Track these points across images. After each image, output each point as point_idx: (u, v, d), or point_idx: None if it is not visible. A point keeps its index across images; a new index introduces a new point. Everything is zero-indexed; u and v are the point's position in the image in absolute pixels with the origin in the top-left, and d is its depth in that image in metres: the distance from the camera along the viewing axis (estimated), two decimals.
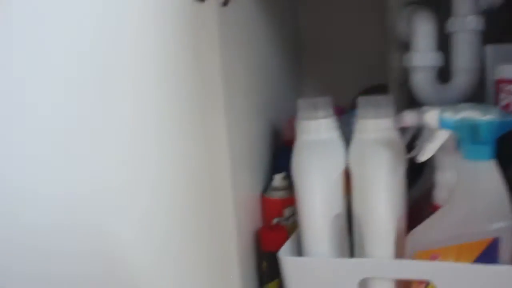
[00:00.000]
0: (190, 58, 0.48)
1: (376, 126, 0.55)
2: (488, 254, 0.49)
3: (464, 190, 0.49)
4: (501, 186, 0.48)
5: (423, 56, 0.66)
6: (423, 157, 0.49)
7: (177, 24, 0.47)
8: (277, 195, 0.62)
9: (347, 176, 0.56)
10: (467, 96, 0.67)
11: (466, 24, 0.65)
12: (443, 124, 0.48)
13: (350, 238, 0.58)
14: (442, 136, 0.48)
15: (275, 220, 0.62)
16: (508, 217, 0.48)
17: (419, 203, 0.59)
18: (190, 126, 0.47)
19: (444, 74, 0.68)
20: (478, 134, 0.47)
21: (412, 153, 0.52)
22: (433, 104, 0.66)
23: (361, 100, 0.56)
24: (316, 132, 0.57)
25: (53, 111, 0.37)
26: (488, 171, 0.48)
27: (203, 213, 0.50)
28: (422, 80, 0.67)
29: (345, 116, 0.63)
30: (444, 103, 0.66)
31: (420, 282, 0.51)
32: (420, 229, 0.51)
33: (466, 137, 0.47)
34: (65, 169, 0.37)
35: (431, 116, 0.48)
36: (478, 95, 0.67)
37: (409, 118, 0.52)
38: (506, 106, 0.58)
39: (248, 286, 0.59)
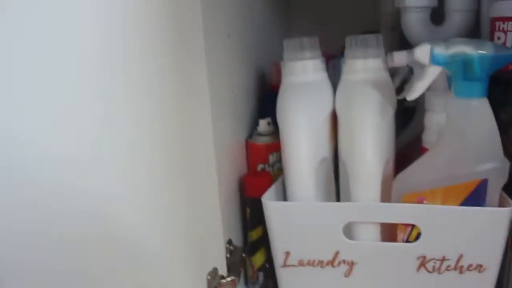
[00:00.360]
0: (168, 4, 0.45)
1: (365, 66, 0.52)
2: (476, 196, 0.47)
3: (454, 130, 0.47)
4: (493, 125, 0.46)
5: None
6: (412, 95, 0.47)
7: None
8: (262, 141, 0.60)
9: (335, 119, 0.54)
10: (461, 37, 0.64)
11: None
12: (434, 60, 0.45)
13: (337, 183, 0.56)
14: (433, 72, 0.45)
15: (260, 166, 0.60)
16: (498, 157, 0.47)
17: (409, 147, 0.58)
18: (168, 73, 0.45)
19: (438, 15, 0.65)
20: (471, 70, 0.44)
21: (403, 94, 0.50)
22: None
23: (350, 39, 0.54)
24: (302, 73, 0.54)
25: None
26: (480, 109, 0.46)
27: (184, 162, 0.48)
28: (415, 20, 0.64)
29: (334, 61, 0.61)
30: None
31: (406, 225, 0.50)
32: (408, 172, 0.49)
33: (458, 73, 0.45)
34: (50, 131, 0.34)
35: (422, 52, 0.45)
36: (473, 36, 0.64)
37: (400, 57, 0.49)
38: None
39: (232, 233, 0.57)
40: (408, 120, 0.63)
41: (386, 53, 0.53)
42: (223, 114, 0.54)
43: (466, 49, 0.44)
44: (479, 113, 0.46)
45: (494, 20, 0.56)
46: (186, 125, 0.48)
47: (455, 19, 0.63)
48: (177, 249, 0.49)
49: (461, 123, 0.46)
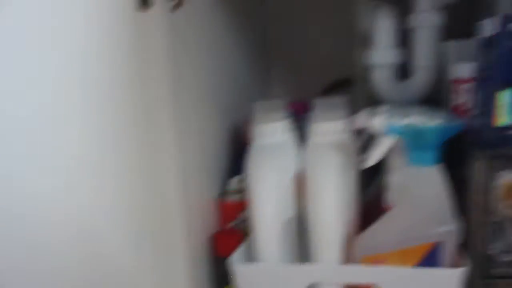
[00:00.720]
0: (137, 65, 0.48)
1: (328, 129, 0.55)
2: (431, 257, 0.49)
3: (409, 195, 0.49)
4: (443, 191, 0.48)
5: (382, 54, 0.66)
6: (369, 162, 0.49)
7: (121, 33, 0.46)
8: (233, 198, 0.61)
9: (302, 179, 0.56)
10: (426, 93, 0.66)
11: (425, 20, 0.64)
12: (389, 130, 0.47)
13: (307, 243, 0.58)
14: (387, 142, 0.48)
15: (231, 224, 0.62)
16: (450, 221, 0.48)
17: (373, 205, 0.59)
18: (136, 130, 0.47)
19: (405, 70, 0.68)
20: (423, 140, 0.46)
21: (363, 157, 0.52)
22: (393, 101, 0.66)
23: (316, 102, 0.56)
24: (270, 135, 0.56)
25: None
26: (432, 177, 0.48)
27: (149, 218, 0.50)
28: (381, 77, 0.67)
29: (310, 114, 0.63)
30: (404, 100, 0.66)
31: (367, 285, 0.51)
32: (368, 234, 0.51)
33: (411, 143, 0.47)
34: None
35: (378, 122, 0.47)
36: (438, 92, 0.67)
37: (361, 121, 0.51)
38: (456, 107, 0.58)
39: None
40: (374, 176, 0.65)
41: (356, 110, 0.55)
42: (193, 173, 0.56)
43: (420, 119, 0.46)
44: (430, 180, 0.48)
45: (452, 81, 0.59)
46: (152, 185, 0.51)
47: (420, 75, 0.66)
48: None
49: (415, 189, 0.48)
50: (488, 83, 0.48)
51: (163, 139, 0.51)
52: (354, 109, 0.64)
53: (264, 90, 0.90)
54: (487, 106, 0.48)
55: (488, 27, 0.47)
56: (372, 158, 0.49)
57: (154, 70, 0.49)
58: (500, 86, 0.47)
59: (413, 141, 0.47)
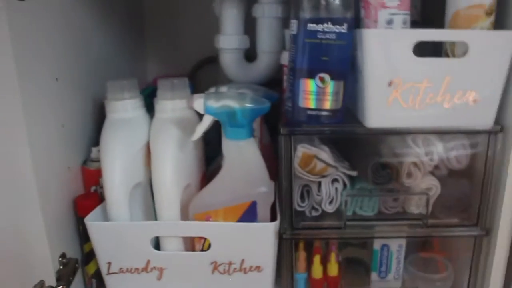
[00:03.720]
0: None
1: (172, 107, 0.63)
2: (249, 214, 0.60)
3: (229, 164, 0.59)
4: (259, 159, 0.59)
5: (229, 39, 0.75)
6: (194, 136, 0.59)
7: None
8: (94, 166, 0.69)
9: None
10: (269, 74, 0.77)
11: (267, 11, 0.74)
12: (207, 110, 0.57)
13: None
14: (207, 120, 0.57)
15: (93, 188, 0.70)
16: (265, 184, 0.60)
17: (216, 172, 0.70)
18: None
19: (251, 54, 0.78)
20: (235, 119, 0.56)
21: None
22: (241, 80, 0.76)
23: (160, 82, 0.64)
24: (122, 111, 0.64)
25: None
26: (247, 148, 0.58)
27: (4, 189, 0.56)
28: (229, 60, 0.76)
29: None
30: (250, 79, 0.76)
31: (199, 238, 0.62)
32: (198, 196, 0.61)
33: (226, 121, 0.57)
34: None
35: (198, 103, 0.57)
36: (279, 73, 0.77)
37: (190, 101, 0.60)
38: (284, 88, 0.69)
39: (68, 247, 0.66)
40: None
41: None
42: (48, 146, 0.62)
43: (231, 102, 0.56)
44: (246, 151, 0.58)
45: (283, 66, 0.70)
46: (8, 158, 0.56)
47: (263, 59, 0.76)
48: (1, 268, 0.58)
49: (233, 159, 0.59)
50: (295, 72, 0.59)
51: (16, 119, 0.56)
52: (217, 86, 0.73)
53: (138, 65, 0.96)
54: (294, 91, 0.59)
55: (294, 25, 0.57)
56: (196, 133, 0.58)
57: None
58: (306, 75, 0.58)
59: (228, 119, 0.57)
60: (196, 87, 0.84)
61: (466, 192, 0.65)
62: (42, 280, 0.59)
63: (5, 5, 0.51)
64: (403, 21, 0.59)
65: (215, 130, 0.61)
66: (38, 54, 0.59)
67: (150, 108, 0.68)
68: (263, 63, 0.76)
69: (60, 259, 0.64)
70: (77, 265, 0.67)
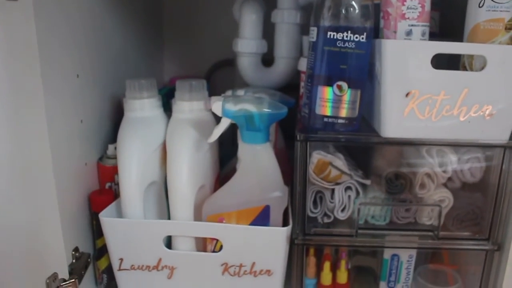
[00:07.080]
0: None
1: (189, 108, 0.64)
2: (262, 218, 0.61)
3: (244, 167, 0.60)
4: (274, 164, 0.60)
5: (247, 43, 0.76)
6: (210, 139, 0.59)
7: None
8: (110, 163, 0.70)
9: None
10: (285, 79, 0.78)
11: (285, 17, 0.74)
12: (225, 113, 0.58)
13: None
14: (224, 123, 0.58)
15: (107, 185, 0.71)
16: (279, 188, 0.60)
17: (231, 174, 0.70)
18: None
19: (268, 59, 0.78)
20: (252, 123, 0.57)
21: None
22: (257, 84, 0.77)
23: (178, 83, 0.65)
24: (140, 110, 0.65)
25: None
26: (263, 152, 0.59)
27: (24, 182, 0.57)
28: (246, 64, 0.77)
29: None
30: (266, 84, 0.76)
31: (211, 239, 0.63)
32: (212, 198, 0.62)
33: (243, 125, 0.58)
34: None
35: (216, 106, 0.57)
36: (296, 78, 0.78)
37: (208, 104, 0.61)
38: (301, 94, 0.69)
39: (81, 241, 0.68)
40: None
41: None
42: (67, 141, 0.63)
43: (249, 106, 0.57)
44: (262, 155, 0.59)
45: (300, 72, 0.70)
46: (27, 152, 0.57)
47: (280, 64, 0.77)
48: (17, 259, 0.59)
49: (249, 163, 0.59)
50: (313, 78, 0.59)
51: (36, 116, 0.57)
52: (233, 88, 0.74)
53: (155, 65, 0.97)
54: (311, 98, 0.60)
55: (314, 32, 0.58)
56: (213, 136, 0.59)
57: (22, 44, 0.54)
58: (323, 82, 0.59)
59: (245, 123, 0.57)
60: (212, 89, 0.85)
61: (478, 205, 0.65)
62: (55, 273, 0.60)
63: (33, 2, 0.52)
64: (422, 33, 0.59)
65: (229, 131, 0.62)
66: (62, 50, 0.60)
67: (166, 108, 0.69)
68: (279, 68, 0.77)
69: (73, 253, 0.66)
70: (89, 260, 0.68)
